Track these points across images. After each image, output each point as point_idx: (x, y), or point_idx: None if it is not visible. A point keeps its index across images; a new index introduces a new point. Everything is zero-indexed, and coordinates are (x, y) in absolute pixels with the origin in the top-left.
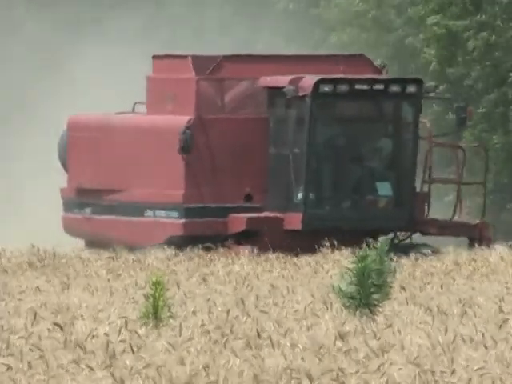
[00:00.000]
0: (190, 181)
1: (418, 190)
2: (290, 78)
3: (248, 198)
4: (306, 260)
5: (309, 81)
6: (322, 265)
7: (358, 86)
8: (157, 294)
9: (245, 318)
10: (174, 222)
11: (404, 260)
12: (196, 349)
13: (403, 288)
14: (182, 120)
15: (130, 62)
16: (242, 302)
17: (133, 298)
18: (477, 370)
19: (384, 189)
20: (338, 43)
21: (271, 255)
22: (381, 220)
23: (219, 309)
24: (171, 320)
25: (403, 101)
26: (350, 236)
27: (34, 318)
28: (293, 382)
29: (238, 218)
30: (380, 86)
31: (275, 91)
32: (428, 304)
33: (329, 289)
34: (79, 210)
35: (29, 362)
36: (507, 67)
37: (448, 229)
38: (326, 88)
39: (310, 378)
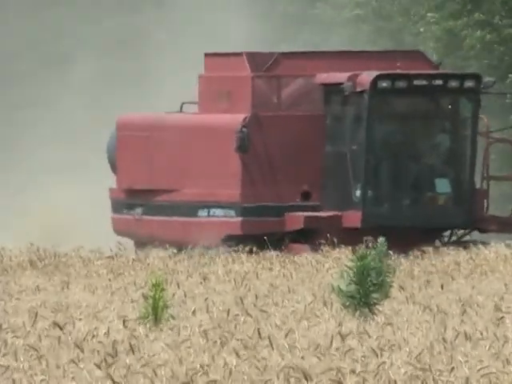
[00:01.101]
0: (246, 179)
1: (477, 186)
2: (347, 74)
3: (305, 196)
4: (306, 258)
5: (367, 77)
6: (323, 263)
7: (416, 82)
8: (156, 295)
9: (244, 317)
10: (230, 221)
11: (403, 259)
12: (195, 348)
13: (403, 287)
14: (238, 118)
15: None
16: (242, 301)
17: (131, 298)
18: (476, 368)
19: (443, 186)
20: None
21: (272, 253)
22: (440, 217)
23: (220, 308)
24: (171, 320)
25: (462, 96)
26: (408, 234)
27: (35, 317)
28: (292, 381)
29: (295, 217)
30: (438, 82)
31: (332, 88)
32: (427, 303)
33: (329, 288)
34: (129, 210)
35: (28, 362)
36: (506, 65)
37: (508, 226)
38: (385, 84)
39: (310, 378)
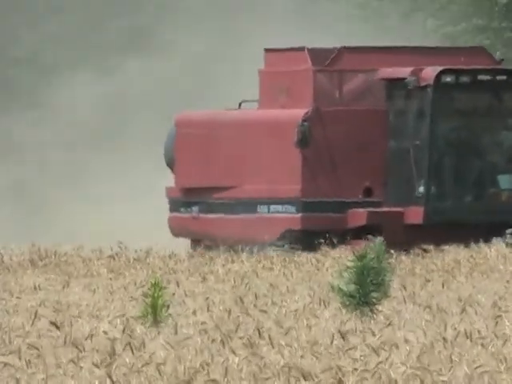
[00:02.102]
0: (307, 174)
1: None
2: (411, 69)
3: (367, 192)
4: (306, 257)
5: (431, 71)
6: (323, 263)
7: (480, 77)
8: (155, 295)
9: (244, 316)
10: (290, 217)
11: (404, 258)
12: (195, 347)
13: (403, 286)
14: (299, 113)
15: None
16: (242, 300)
17: (131, 296)
18: (476, 367)
19: (506, 182)
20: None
21: (271, 253)
22: (503, 213)
23: (220, 308)
24: (170, 319)
25: None
26: (470, 230)
27: (35, 316)
28: (292, 380)
29: (357, 213)
30: (502, 77)
31: (395, 83)
32: (428, 302)
33: (328, 287)
34: (186, 209)
35: (28, 361)
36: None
37: None
38: (448, 79)
39: (309, 377)
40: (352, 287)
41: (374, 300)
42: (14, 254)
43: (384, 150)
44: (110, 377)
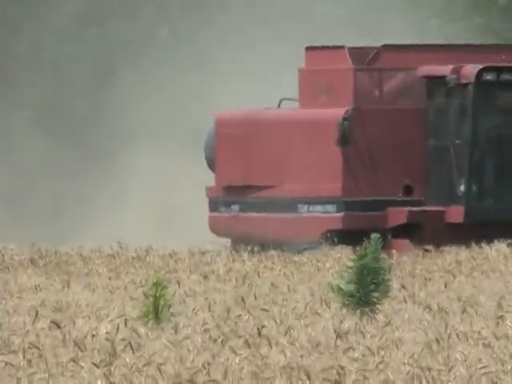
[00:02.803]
0: (348, 173)
1: None
2: (451, 66)
3: (407, 190)
4: (307, 258)
5: (472, 69)
6: (324, 262)
7: None
8: (157, 294)
9: (245, 316)
10: (331, 216)
11: (405, 258)
12: (196, 347)
13: (403, 286)
14: (340, 111)
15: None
16: (243, 300)
17: (131, 297)
18: (475, 368)
19: None
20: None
21: (273, 252)
22: None
23: (220, 307)
24: (171, 318)
25: None
26: (511, 229)
27: (36, 316)
28: (292, 380)
29: (397, 211)
30: None
31: (435, 81)
32: (428, 302)
33: (329, 287)
34: (227, 208)
35: (28, 361)
36: None
37: None
38: (489, 76)
39: (310, 376)
40: (352, 287)
41: (374, 300)
42: (14, 253)
43: (424, 149)
44: (110, 377)
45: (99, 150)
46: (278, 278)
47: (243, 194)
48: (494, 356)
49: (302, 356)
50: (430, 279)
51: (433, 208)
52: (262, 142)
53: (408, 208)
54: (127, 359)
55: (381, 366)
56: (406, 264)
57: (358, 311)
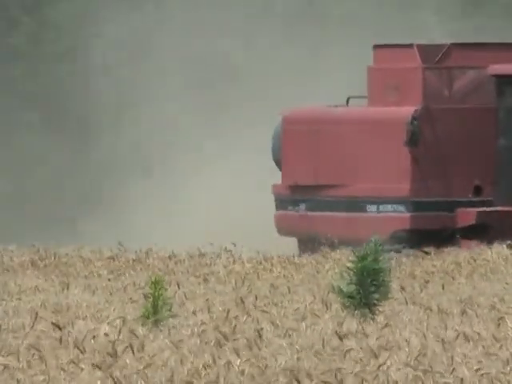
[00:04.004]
0: (417, 173)
1: None
2: None
3: (477, 191)
4: (306, 259)
5: None
6: (323, 264)
7: None
8: (156, 294)
9: (245, 317)
10: (400, 216)
11: (404, 259)
12: (196, 348)
13: (403, 288)
14: (409, 111)
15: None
16: (242, 301)
17: (131, 298)
18: (476, 369)
19: None
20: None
21: (272, 254)
22: None
23: (220, 308)
24: (171, 320)
25: None
26: None
27: (36, 317)
28: (292, 381)
29: (467, 212)
30: None
31: (505, 79)
32: (428, 303)
33: (329, 288)
34: (294, 207)
35: (28, 362)
36: None
37: None
38: None
39: (310, 378)
40: (352, 288)
41: (374, 301)
42: (14, 254)
43: (494, 149)
44: (111, 378)
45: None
46: (277, 279)
47: (310, 193)
48: (495, 358)
49: (301, 358)
50: (429, 281)
51: (502, 208)
52: (329, 141)
53: (477, 209)
54: (127, 361)
55: (381, 368)
56: (405, 265)
57: (358, 313)
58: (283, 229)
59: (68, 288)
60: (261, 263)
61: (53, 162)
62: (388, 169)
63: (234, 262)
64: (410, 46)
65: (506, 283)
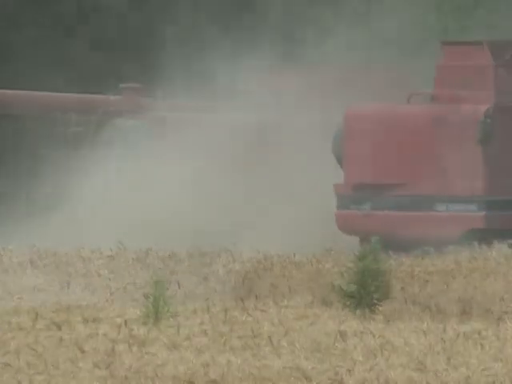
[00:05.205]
0: (490, 172)
1: None
2: None
3: None
4: (307, 258)
5: None
6: (324, 263)
7: None
8: (157, 294)
9: (245, 317)
10: (473, 216)
11: (404, 258)
12: (196, 348)
13: (403, 287)
14: (480, 109)
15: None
16: (242, 301)
17: (131, 298)
18: (476, 369)
19: None
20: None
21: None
22: None
23: (220, 309)
24: (171, 319)
25: None
26: None
27: (36, 317)
28: (292, 380)
29: None
30: None
31: None
32: (428, 303)
33: (330, 288)
34: (357, 206)
35: (28, 362)
36: None
37: None
38: None
39: (309, 378)
40: (353, 288)
41: (374, 301)
42: (13, 254)
43: None
44: (111, 377)
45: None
46: (277, 278)
47: (375, 192)
48: (495, 357)
49: (301, 357)
50: (429, 281)
51: None
52: (394, 138)
53: None
54: (127, 360)
55: (381, 368)
56: (405, 265)
57: (359, 312)
58: (346, 228)
59: (68, 287)
60: (260, 262)
61: None
62: (459, 166)
63: (234, 261)
64: (479, 42)
65: (507, 282)
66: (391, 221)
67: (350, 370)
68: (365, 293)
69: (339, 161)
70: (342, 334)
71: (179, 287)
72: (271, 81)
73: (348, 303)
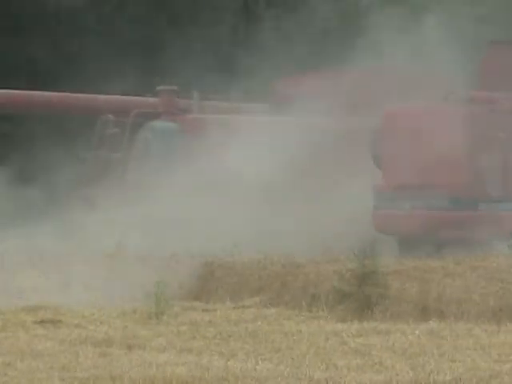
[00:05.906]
0: None
1: None
2: None
3: None
4: (306, 259)
5: None
6: (324, 264)
7: None
8: (158, 294)
9: (245, 317)
10: None
11: (404, 259)
12: (196, 348)
13: (403, 288)
14: None
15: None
16: (242, 301)
17: (132, 298)
18: (475, 368)
19: None
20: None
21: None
22: None
23: (220, 308)
24: (172, 319)
25: None
26: None
27: (35, 316)
28: (292, 380)
29: None
30: None
31: None
32: (427, 304)
33: (330, 288)
34: (396, 206)
35: (27, 362)
36: None
37: None
38: None
39: (310, 378)
40: (352, 288)
41: (374, 301)
42: (13, 253)
43: None
44: (112, 377)
45: None
46: (277, 278)
47: (414, 192)
48: (494, 357)
49: (301, 357)
50: (429, 281)
51: None
52: (433, 137)
53: None
54: (127, 359)
55: (380, 368)
56: (405, 265)
57: (358, 312)
58: (384, 228)
59: (68, 287)
60: (260, 262)
61: None
62: (500, 167)
63: (234, 261)
64: None
65: (506, 283)
66: (432, 221)
67: (349, 370)
68: (364, 293)
69: (377, 161)
70: (342, 334)
71: (180, 287)
72: (314, 84)
73: (348, 303)
